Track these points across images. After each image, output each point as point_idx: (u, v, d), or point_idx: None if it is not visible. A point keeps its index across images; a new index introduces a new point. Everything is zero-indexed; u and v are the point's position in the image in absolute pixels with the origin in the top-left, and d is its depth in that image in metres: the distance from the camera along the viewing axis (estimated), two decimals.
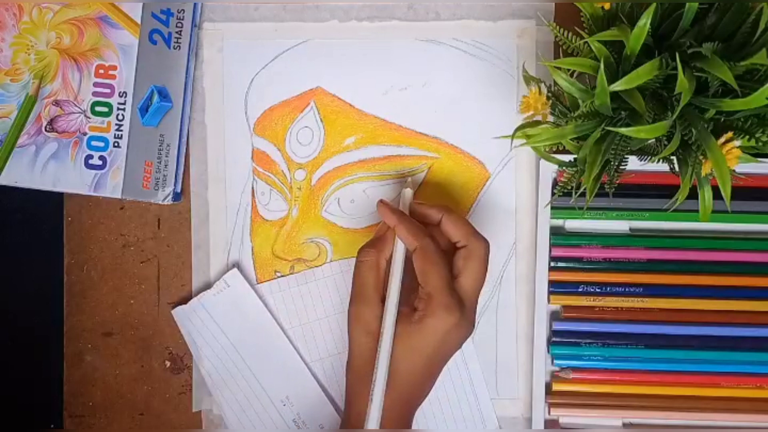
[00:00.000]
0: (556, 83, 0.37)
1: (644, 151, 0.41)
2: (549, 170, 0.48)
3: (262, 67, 0.52)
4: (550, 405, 0.50)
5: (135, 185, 0.48)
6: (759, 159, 0.41)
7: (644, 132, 0.34)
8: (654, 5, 0.34)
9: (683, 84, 0.33)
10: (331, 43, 0.51)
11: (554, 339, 0.51)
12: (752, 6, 0.34)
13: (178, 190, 0.52)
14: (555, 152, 0.48)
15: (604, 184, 0.41)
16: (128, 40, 0.47)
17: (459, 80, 0.51)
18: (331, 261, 0.52)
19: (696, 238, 0.50)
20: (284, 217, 0.52)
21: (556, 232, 0.51)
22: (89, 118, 0.47)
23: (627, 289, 0.50)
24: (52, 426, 0.54)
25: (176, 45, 0.50)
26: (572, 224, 0.51)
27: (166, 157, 0.50)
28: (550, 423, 0.51)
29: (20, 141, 0.47)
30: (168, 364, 0.53)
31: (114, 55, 0.47)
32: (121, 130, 0.47)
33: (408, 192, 0.47)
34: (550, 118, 0.39)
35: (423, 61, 0.51)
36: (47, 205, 0.53)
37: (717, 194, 0.35)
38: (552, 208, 0.49)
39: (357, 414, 0.43)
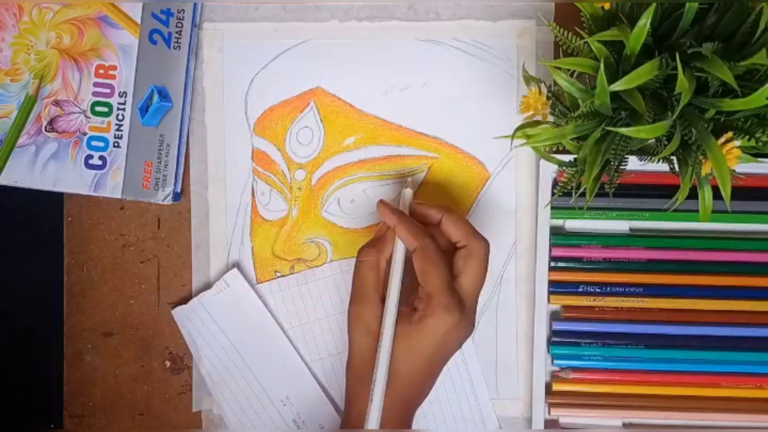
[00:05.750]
0: (556, 83, 0.37)
1: (644, 151, 0.41)
2: (549, 170, 0.48)
3: (262, 67, 0.52)
4: (550, 405, 0.50)
5: (135, 185, 0.48)
6: (759, 159, 0.41)
7: (644, 132, 0.34)
8: (654, 5, 0.34)
9: (683, 84, 0.33)
10: (331, 43, 0.51)
11: (554, 339, 0.51)
12: (752, 6, 0.34)
13: (178, 190, 0.52)
14: (555, 152, 0.48)
15: (604, 184, 0.41)
16: (128, 40, 0.47)
17: (459, 80, 0.51)
18: (331, 261, 0.52)
19: (696, 238, 0.50)
20: (284, 217, 0.52)
21: (556, 232, 0.51)
22: (89, 118, 0.47)
23: (627, 289, 0.50)
24: (52, 426, 0.54)
25: (176, 45, 0.50)
26: (572, 224, 0.51)
27: (166, 157, 0.50)
28: (550, 423, 0.51)
29: (20, 141, 0.47)
30: (168, 364, 0.53)
31: (114, 55, 0.47)
32: (121, 130, 0.47)
33: (408, 192, 0.47)
34: (550, 118, 0.39)
35: (423, 61, 0.51)
36: (47, 205, 0.53)
37: (717, 194, 0.35)
38: (552, 208, 0.49)
39: (357, 414, 0.43)
